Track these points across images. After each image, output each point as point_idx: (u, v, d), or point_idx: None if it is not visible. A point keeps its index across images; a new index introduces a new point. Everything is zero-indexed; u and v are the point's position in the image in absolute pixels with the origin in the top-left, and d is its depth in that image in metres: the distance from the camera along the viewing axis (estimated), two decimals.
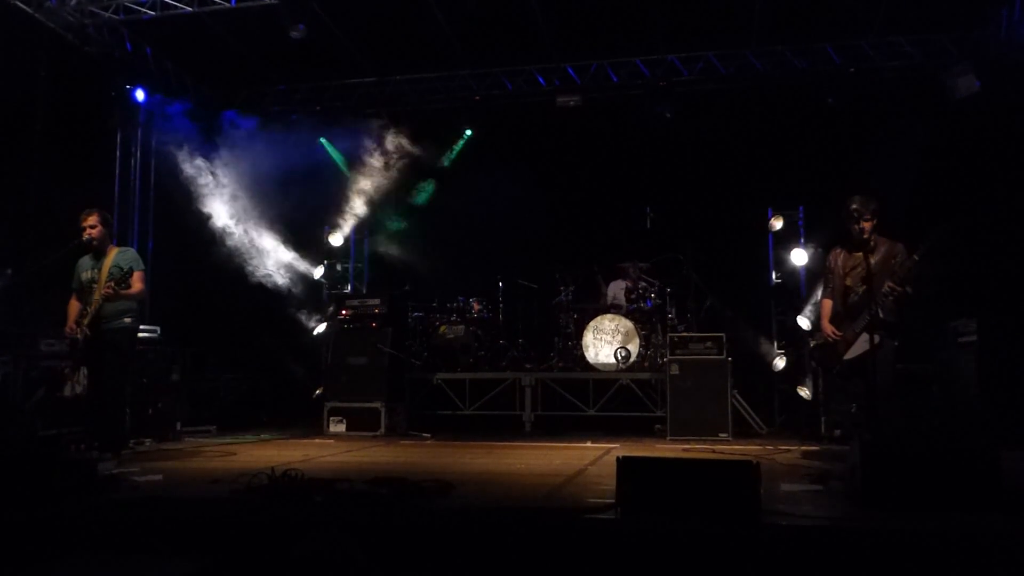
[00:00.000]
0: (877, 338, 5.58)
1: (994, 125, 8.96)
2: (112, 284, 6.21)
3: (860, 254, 5.89)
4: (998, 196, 8.75)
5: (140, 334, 7.27)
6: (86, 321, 6.32)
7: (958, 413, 7.99)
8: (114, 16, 9.24)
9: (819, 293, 6.91)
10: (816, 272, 9.20)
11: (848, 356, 6.02)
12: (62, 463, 4.51)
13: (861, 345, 5.90)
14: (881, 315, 5.74)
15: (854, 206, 5.89)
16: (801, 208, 10.12)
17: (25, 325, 7.68)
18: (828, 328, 6.15)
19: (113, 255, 6.55)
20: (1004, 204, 8.70)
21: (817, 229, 9.90)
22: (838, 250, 6.27)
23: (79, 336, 6.33)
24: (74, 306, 6.56)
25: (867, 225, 5.87)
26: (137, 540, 3.88)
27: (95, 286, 6.39)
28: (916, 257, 5.67)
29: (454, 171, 11.94)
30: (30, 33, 8.76)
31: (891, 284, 5.70)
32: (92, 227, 6.53)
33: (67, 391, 7.05)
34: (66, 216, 6.94)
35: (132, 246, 9.95)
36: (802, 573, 3.34)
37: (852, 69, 9.88)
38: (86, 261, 6.64)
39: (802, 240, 9.94)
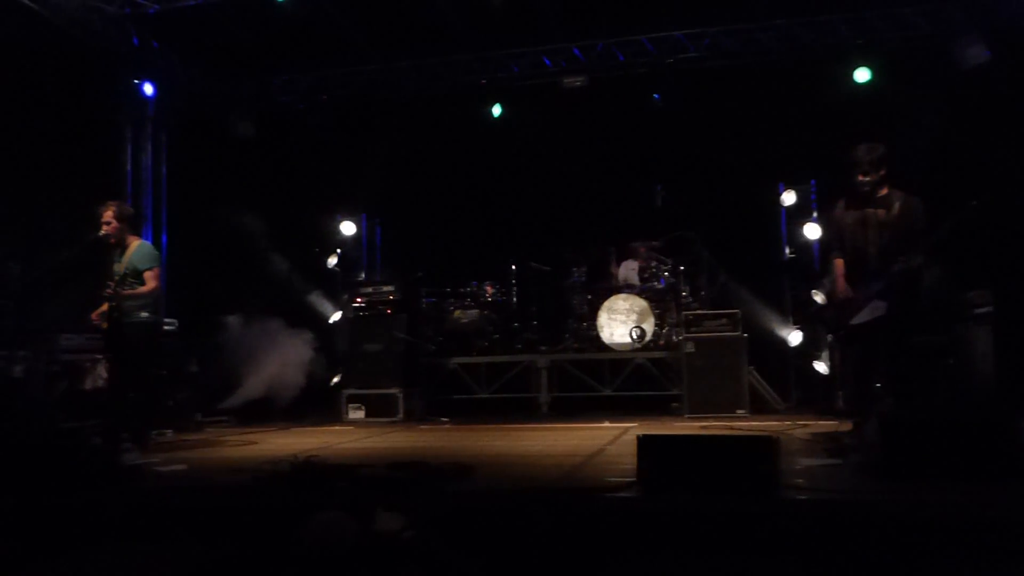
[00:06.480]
0: (889, 305, 5.48)
1: (1007, 93, 8.86)
2: (113, 284, 6.25)
3: (870, 210, 5.70)
4: (1013, 165, 8.66)
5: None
6: (101, 313, 6.39)
7: (975, 384, 7.97)
8: (119, 10, 9.23)
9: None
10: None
11: (855, 321, 5.80)
12: (86, 454, 4.56)
13: (870, 311, 5.76)
14: (898, 280, 5.61)
15: (854, 156, 5.65)
16: (813, 181, 10.05)
17: (43, 320, 7.75)
18: (843, 286, 5.91)
19: (132, 249, 6.62)
20: (1020, 173, 8.62)
21: (830, 202, 9.83)
22: (841, 204, 5.97)
23: (103, 326, 6.42)
24: None
25: (866, 178, 5.63)
26: (162, 528, 3.93)
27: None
28: (935, 239, 5.55)
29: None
30: (36, 29, 8.76)
31: (903, 259, 5.58)
32: (107, 223, 6.55)
33: (88, 384, 7.12)
34: (79, 212, 6.97)
35: (147, 240, 10.00)
36: (823, 547, 3.36)
37: (860, 41, 9.77)
38: (116, 254, 6.70)
39: (815, 214, 9.89)
